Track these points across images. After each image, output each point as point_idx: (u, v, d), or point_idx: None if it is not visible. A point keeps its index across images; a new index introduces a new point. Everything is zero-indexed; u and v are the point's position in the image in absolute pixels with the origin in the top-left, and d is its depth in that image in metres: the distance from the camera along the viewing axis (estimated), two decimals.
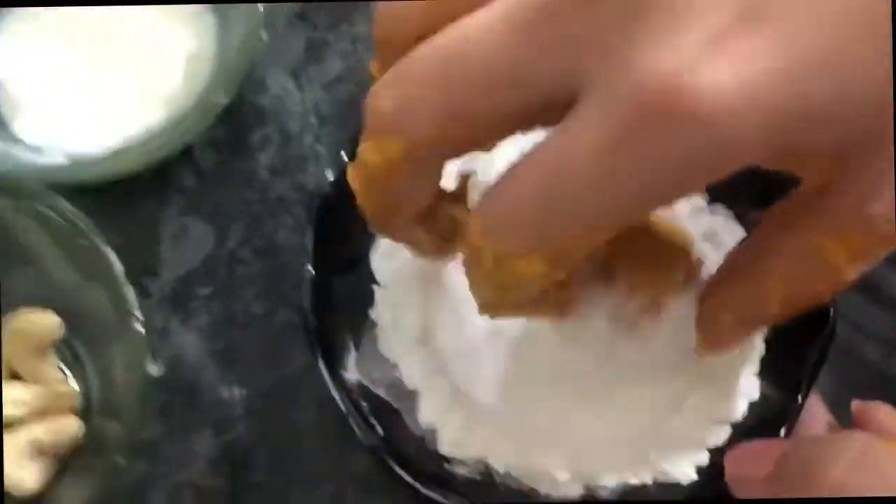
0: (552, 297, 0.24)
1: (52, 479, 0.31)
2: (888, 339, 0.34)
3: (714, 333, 0.24)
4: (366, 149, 0.21)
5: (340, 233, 0.29)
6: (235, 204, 0.36)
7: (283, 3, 0.39)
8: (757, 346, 0.28)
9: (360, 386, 0.29)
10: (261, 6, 0.33)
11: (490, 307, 0.23)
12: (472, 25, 0.19)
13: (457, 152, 0.21)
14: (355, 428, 0.27)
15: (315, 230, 0.29)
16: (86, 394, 0.32)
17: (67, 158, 0.30)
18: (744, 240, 0.25)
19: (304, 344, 0.33)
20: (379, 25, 0.22)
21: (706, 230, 0.30)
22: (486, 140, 0.21)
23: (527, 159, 0.19)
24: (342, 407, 0.27)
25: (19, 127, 0.35)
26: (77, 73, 0.36)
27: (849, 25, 0.17)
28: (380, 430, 0.27)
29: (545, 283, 0.20)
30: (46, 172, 0.31)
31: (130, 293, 0.30)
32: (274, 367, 0.34)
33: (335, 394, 0.27)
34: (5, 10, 0.37)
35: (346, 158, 0.30)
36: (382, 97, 0.20)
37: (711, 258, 0.26)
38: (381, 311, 0.29)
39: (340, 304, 0.29)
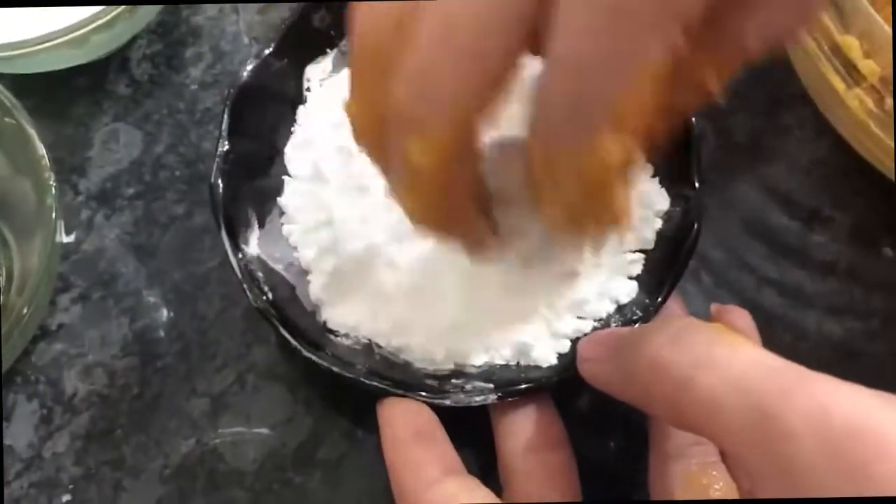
0: (473, 225, 0.26)
1: None
2: (761, 273, 0.37)
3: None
4: (412, 152, 0.21)
5: (254, 119, 0.32)
6: (165, 113, 0.39)
7: None
8: (608, 248, 0.31)
9: (260, 260, 0.31)
10: None
11: (418, 217, 0.24)
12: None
13: (487, 113, 0.21)
14: (247, 291, 0.30)
15: (231, 111, 0.31)
16: (8, 275, 0.35)
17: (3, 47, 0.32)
18: None
19: (216, 243, 0.36)
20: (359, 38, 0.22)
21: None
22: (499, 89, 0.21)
23: None
24: (237, 272, 0.30)
25: None
26: None
27: None
28: (270, 296, 0.30)
29: (435, 166, 0.22)
30: None
31: (51, 188, 0.32)
32: (188, 264, 0.36)
33: (232, 260, 0.30)
34: None
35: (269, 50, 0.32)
36: (409, 92, 0.21)
37: None
38: (288, 199, 0.32)
39: (249, 185, 0.32)
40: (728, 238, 0.37)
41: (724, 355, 0.22)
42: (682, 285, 0.35)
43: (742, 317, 0.30)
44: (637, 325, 0.29)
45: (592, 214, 0.24)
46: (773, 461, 0.21)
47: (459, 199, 0.24)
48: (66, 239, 0.34)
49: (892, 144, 0.30)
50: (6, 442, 0.34)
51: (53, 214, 0.30)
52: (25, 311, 0.31)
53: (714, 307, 0.31)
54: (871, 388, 0.21)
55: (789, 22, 0.23)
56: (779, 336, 0.35)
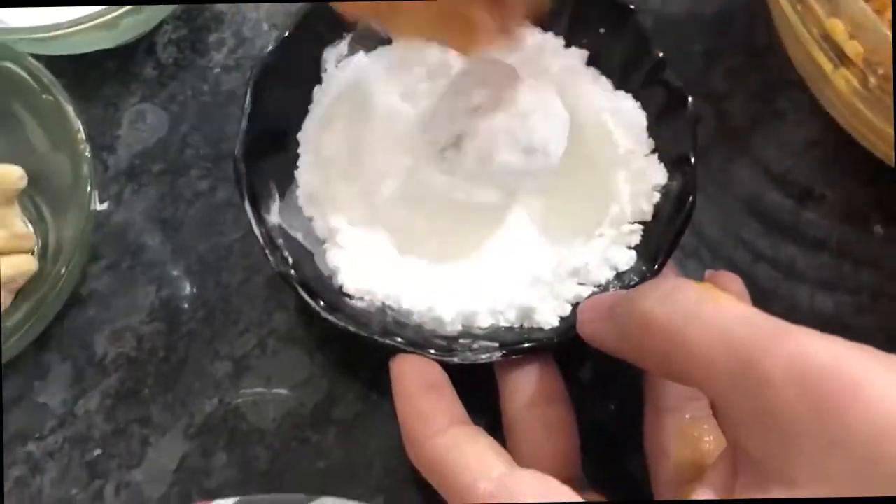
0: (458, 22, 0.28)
1: (8, 308, 0.35)
2: (755, 249, 0.39)
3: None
4: None
5: (276, 97, 0.34)
6: (190, 95, 0.41)
7: None
8: (612, 217, 0.32)
9: (280, 228, 0.33)
10: None
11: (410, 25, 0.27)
12: None
13: None
14: (269, 257, 0.32)
15: (253, 90, 0.33)
16: (43, 246, 0.37)
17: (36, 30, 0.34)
18: None
19: (238, 217, 0.38)
20: None
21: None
22: None
23: None
24: (261, 240, 0.32)
25: None
26: None
27: None
28: (290, 261, 0.32)
29: None
30: (19, 41, 0.35)
31: (88, 166, 0.34)
32: (211, 236, 0.38)
33: (255, 228, 0.32)
34: None
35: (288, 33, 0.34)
36: None
37: None
38: (303, 173, 0.34)
39: (270, 159, 0.34)
40: (724, 216, 0.39)
41: (710, 311, 0.24)
42: (681, 261, 0.38)
43: (733, 280, 0.32)
44: None
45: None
46: (754, 407, 0.23)
47: None
48: (99, 207, 0.36)
49: (877, 121, 0.32)
50: (41, 400, 0.36)
51: (88, 185, 0.32)
52: (60, 277, 0.33)
53: (708, 273, 0.33)
54: None
55: None
56: (772, 309, 0.35)
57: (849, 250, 0.38)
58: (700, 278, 0.36)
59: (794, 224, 0.39)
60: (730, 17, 0.42)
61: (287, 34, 0.35)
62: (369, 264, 0.32)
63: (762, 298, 0.37)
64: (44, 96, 0.33)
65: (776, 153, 0.40)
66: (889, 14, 0.36)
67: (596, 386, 0.36)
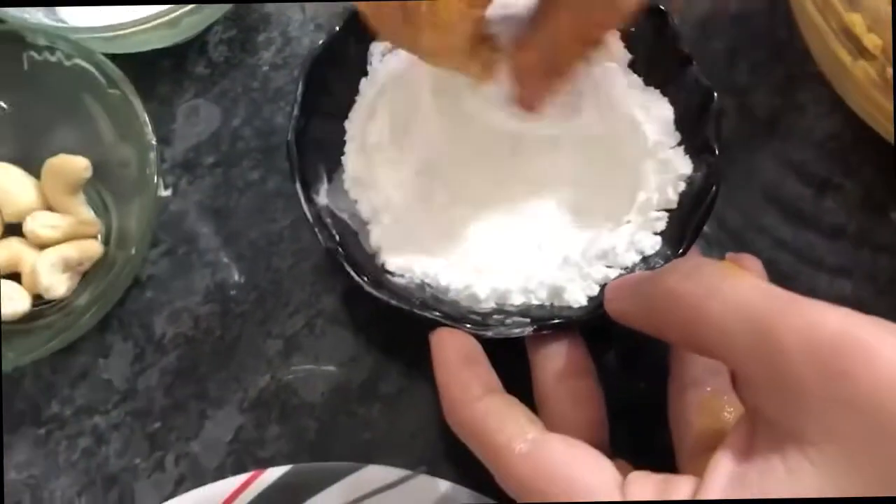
0: (480, 55, 0.31)
1: (75, 289, 0.38)
2: (776, 236, 0.40)
3: (525, 80, 0.31)
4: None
5: (323, 90, 0.36)
6: (240, 91, 0.43)
7: None
8: (640, 204, 0.35)
9: (328, 209, 0.35)
10: None
11: (432, 54, 0.29)
12: None
13: None
14: (318, 234, 0.34)
15: (304, 82, 0.36)
16: (107, 233, 0.39)
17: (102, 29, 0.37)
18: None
19: (288, 206, 0.40)
20: None
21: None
22: None
23: None
24: (309, 218, 0.34)
25: (65, 12, 0.41)
26: None
27: None
28: (337, 238, 0.34)
29: (468, 19, 0.27)
30: (86, 40, 0.37)
31: (154, 153, 0.36)
32: (262, 224, 0.41)
33: (305, 207, 0.34)
34: None
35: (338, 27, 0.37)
36: None
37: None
38: (349, 159, 0.36)
39: (319, 145, 0.36)
40: (747, 205, 0.41)
41: (730, 286, 0.26)
42: (705, 247, 0.40)
43: (752, 261, 0.34)
44: None
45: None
46: (770, 374, 0.24)
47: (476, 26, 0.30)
48: (164, 193, 0.38)
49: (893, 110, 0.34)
50: (105, 376, 0.38)
51: (155, 172, 0.34)
52: (128, 261, 0.36)
53: (729, 255, 0.35)
54: None
55: None
56: (793, 292, 0.39)
57: (867, 237, 0.40)
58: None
59: (813, 212, 0.41)
60: (752, 13, 0.44)
61: (336, 30, 0.37)
62: (409, 244, 0.35)
63: (783, 284, 0.38)
64: (111, 90, 0.36)
65: (797, 144, 0.42)
66: None
67: (626, 366, 0.38)
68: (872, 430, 0.22)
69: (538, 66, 0.31)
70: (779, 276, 0.39)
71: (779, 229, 0.40)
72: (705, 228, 0.40)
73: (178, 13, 0.37)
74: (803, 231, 0.40)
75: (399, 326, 0.36)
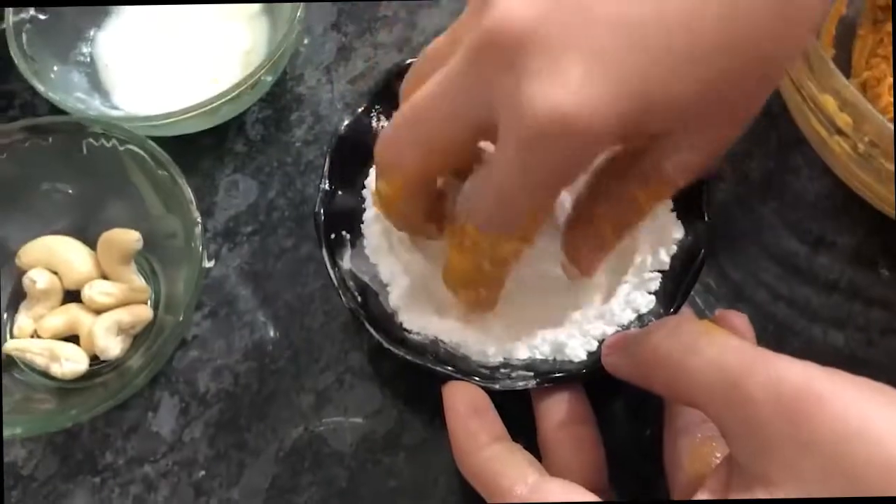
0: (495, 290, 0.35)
1: (128, 350, 0.41)
2: (774, 290, 0.43)
3: (576, 260, 0.34)
4: (379, 185, 0.33)
5: (348, 163, 0.40)
6: (275, 166, 0.47)
7: (321, 16, 0.50)
8: (636, 268, 0.38)
9: (351, 272, 0.39)
10: (301, 12, 0.44)
11: (461, 284, 0.34)
12: (426, 90, 0.30)
13: (440, 173, 0.32)
14: (341, 295, 0.38)
15: (331, 157, 0.40)
16: (156, 298, 0.43)
17: (153, 118, 0.42)
18: (584, 187, 0.34)
19: (318, 270, 0.44)
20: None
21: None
22: (454, 162, 0.32)
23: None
24: (335, 281, 0.38)
25: (118, 98, 0.46)
26: (160, 60, 0.47)
27: (659, 52, 0.26)
28: (360, 300, 0.38)
29: (518, 257, 0.31)
30: (138, 126, 0.42)
31: (199, 228, 0.40)
32: (296, 286, 0.44)
33: (330, 271, 0.38)
34: (109, 13, 0.49)
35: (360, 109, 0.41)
36: (382, 148, 0.32)
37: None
38: (367, 227, 0.40)
39: (344, 214, 0.40)
40: (745, 261, 0.44)
41: (706, 343, 0.29)
42: (707, 299, 0.42)
43: (739, 318, 0.37)
44: None
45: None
46: (741, 423, 0.27)
47: (413, 215, 0.34)
48: (208, 264, 0.42)
49: (871, 181, 0.37)
50: (154, 429, 0.42)
51: (200, 245, 0.38)
52: (177, 325, 0.39)
53: (718, 311, 0.38)
54: None
55: (699, 159, 0.30)
56: (789, 343, 0.42)
57: (858, 291, 0.43)
58: None
59: (808, 268, 0.43)
60: None
61: (360, 109, 0.41)
62: (425, 304, 0.38)
63: (780, 334, 0.42)
64: (160, 172, 0.40)
65: (791, 205, 0.45)
66: (889, 81, 0.41)
67: (632, 415, 0.41)
68: (826, 469, 0.25)
69: (586, 253, 0.34)
70: (776, 327, 0.42)
71: (776, 284, 0.43)
72: (709, 282, 0.43)
73: (217, 103, 0.41)
74: (799, 285, 0.43)
75: (421, 381, 0.39)
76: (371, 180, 0.41)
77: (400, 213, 0.34)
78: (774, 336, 0.42)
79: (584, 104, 0.26)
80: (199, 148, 0.47)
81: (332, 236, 0.39)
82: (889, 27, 0.44)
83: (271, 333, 0.44)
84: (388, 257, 0.39)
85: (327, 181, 0.40)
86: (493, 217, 0.30)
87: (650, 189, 0.30)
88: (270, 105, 0.49)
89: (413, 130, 0.30)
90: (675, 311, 0.37)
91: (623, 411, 0.41)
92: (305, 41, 0.50)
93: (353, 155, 0.41)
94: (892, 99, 0.41)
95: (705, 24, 0.26)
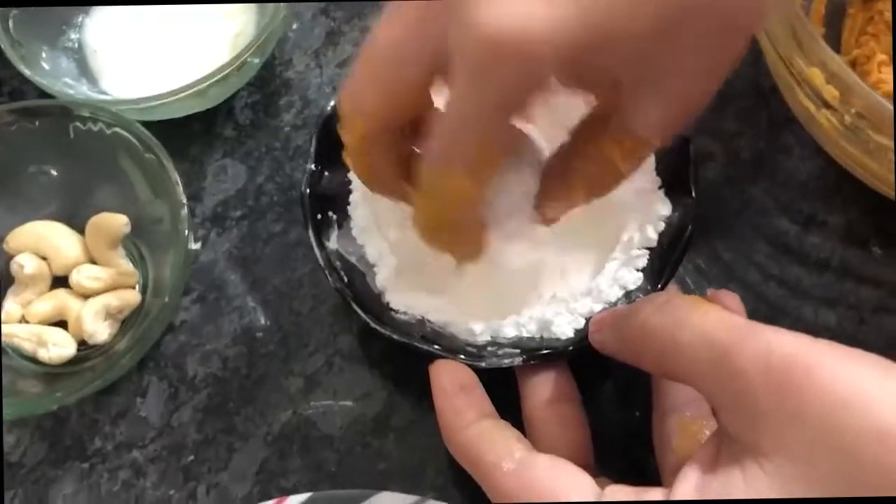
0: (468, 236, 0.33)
1: (116, 334, 0.41)
2: (765, 269, 0.43)
3: (545, 213, 0.33)
4: (342, 133, 0.31)
5: (335, 145, 0.39)
6: (264, 150, 0.47)
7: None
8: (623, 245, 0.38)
9: (338, 253, 0.39)
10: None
11: (428, 231, 0.32)
12: (381, 30, 0.29)
13: (401, 118, 0.30)
14: (327, 276, 0.37)
15: (317, 138, 0.40)
16: (143, 283, 0.43)
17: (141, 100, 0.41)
18: (559, 148, 0.33)
19: (307, 254, 0.44)
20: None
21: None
22: (414, 106, 0.30)
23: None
24: (320, 261, 0.38)
25: (106, 84, 0.46)
26: (148, 45, 0.47)
27: None
28: (346, 280, 0.37)
29: (468, 197, 0.29)
30: (126, 109, 0.42)
31: (185, 210, 0.40)
32: (285, 271, 0.44)
33: (316, 251, 0.38)
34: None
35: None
36: (343, 96, 0.31)
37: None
38: (354, 208, 0.40)
39: (330, 196, 0.40)
40: (737, 240, 0.43)
41: (697, 317, 0.29)
42: (698, 280, 0.42)
43: (730, 297, 0.36)
44: None
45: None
46: (730, 395, 0.27)
47: (379, 167, 0.32)
48: (193, 246, 0.42)
49: (859, 155, 0.36)
50: (142, 414, 0.42)
51: (186, 228, 0.38)
52: (162, 308, 0.39)
53: (709, 291, 0.38)
54: None
55: (669, 115, 0.29)
56: (780, 322, 0.41)
57: (849, 270, 0.42)
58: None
59: (799, 247, 0.43)
60: (740, 62, 0.47)
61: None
62: (412, 284, 0.38)
63: (771, 314, 0.42)
64: (147, 155, 0.40)
65: (782, 184, 0.44)
66: (879, 58, 0.41)
67: (621, 396, 0.40)
68: (816, 440, 0.25)
69: (555, 208, 0.33)
70: (768, 307, 0.42)
71: (767, 263, 0.43)
72: (700, 263, 0.43)
73: (205, 84, 0.41)
74: (790, 265, 0.43)
75: (409, 363, 0.39)
76: None
77: (367, 168, 0.33)
78: (766, 316, 0.41)
79: (533, 26, 0.25)
80: (189, 133, 0.47)
81: (319, 217, 0.39)
82: (879, 5, 0.44)
83: (260, 318, 0.43)
84: (375, 237, 0.39)
85: (314, 162, 0.40)
86: (440, 150, 0.29)
87: (625, 149, 0.30)
88: (259, 90, 0.48)
89: (371, 73, 0.29)
90: (663, 288, 0.37)
91: (611, 392, 0.41)
92: (294, 26, 0.50)
93: (339, 136, 0.41)
94: (881, 76, 0.41)
95: None
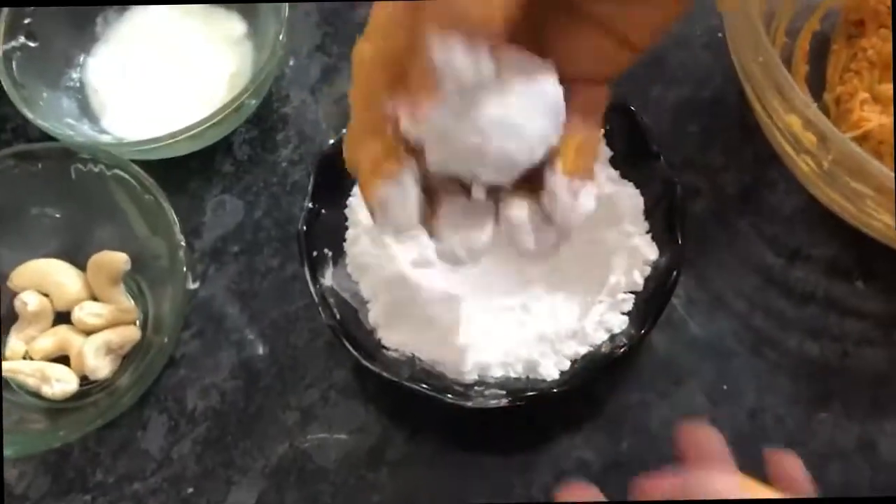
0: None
1: (117, 370, 0.42)
2: (752, 300, 0.44)
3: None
4: (356, 51, 0.27)
5: (333, 183, 0.41)
6: (262, 186, 0.48)
7: (306, 38, 0.51)
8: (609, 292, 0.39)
9: (332, 289, 0.40)
10: (283, 36, 0.44)
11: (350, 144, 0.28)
12: None
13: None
14: (320, 311, 0.39)
15: (315, 176, 0.41)
16: (143, 317, 0.44)
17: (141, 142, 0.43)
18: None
19: (304, 288, 0.45)
20: None
21: None
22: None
23: None
24: (315, 297, 0.39)
25: (107, 123, 0.47)
26: (147, 84, 0.48)
27: None
28: (338, 317, 0.39)
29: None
30: (127, 151, 0.43)
31: (182, 251, 0.41)
32: (281, 305, 0.45)
33: (311, 287, 0.39)
34: (98, 39, 0.50)
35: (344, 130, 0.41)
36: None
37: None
38: (350, 245, 0.41)
39: (328, 232, 0.41)
40: (723, 272, 0.44)
41: None
42: (687, 305, 0.43)
43: (796, 466, 0.32)
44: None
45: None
46: None
47: (376, 112, 0.27)
48: (192, 286, 0.43)
49: (837, 198, 0.37)
50: (143, 447, 0.43)
51: (184, 267, 0.39)
52: (163, 345, 0.40)
53: (767, 454, 0.33)
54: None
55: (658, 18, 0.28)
56: (766, 353, 0.43)
57: (833, 303, 0.43)
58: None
59: (784, 280, 0.44)
60: (724, 99, 0.48)
61: (343, 131, 0.42)
62: (403, 322, 0.39)
63: (757, 344, 0.43)
64: (146, 196, 0.41)
65: (768, 218, 0.45)
66: (861, 96, 0.42)
67: (612, 427, 0.41)
68: None
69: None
70: (754, 338, 0.43)
71: (754, 294, 0.44)
72: (689, 293, 0.44)
73: (203, 127, 0.42)
74: (776, 297, 0.44)
75: (403, 397, 0.40)
76: (354, 199, 0.41)
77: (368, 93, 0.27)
78: (751, 346, 0.43)
79: None
80: (187, 169, 0.48)
81: (315, 254, 0.40)
82: (863, 42, 0.45)
83: (258, 351, 0.44)
84: (368, 274, 0.40)
85: (311, 200, 0.41)
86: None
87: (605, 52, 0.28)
88: (257, 126, 0.50)
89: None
90: (647, 333, 0.38)
91: (601, 425, 0.42)
92: (291, 62, 0.51)
93: (337, 174, 0.42)
94: (863, 114, 0.42)
95: None
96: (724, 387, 0.42)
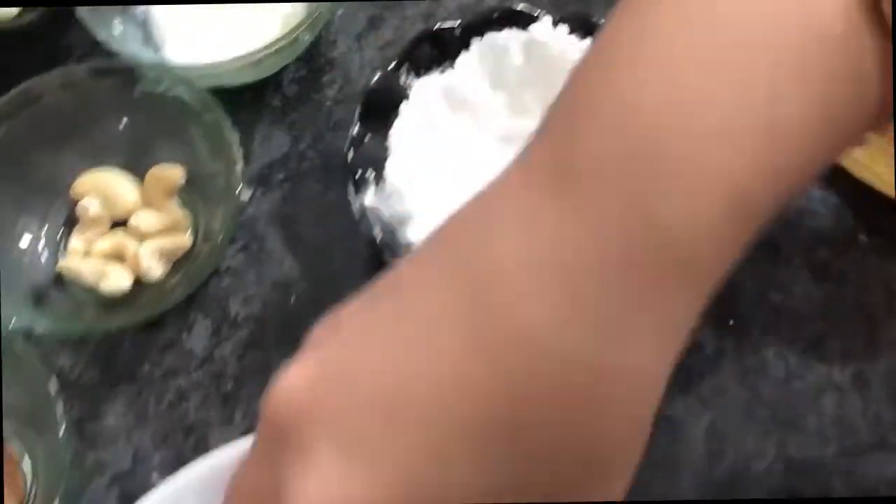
0: None
1: (167, 274, 0.46)
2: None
3: None
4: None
5: (377, 112, 0.45)
6: (307, 121, 0.52)
7: None
8: None
9: (373, 209, 0.43)
10: None
11: None
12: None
13: None
14: (362, 228, 0.42)
15: (362, 104, 0.45)
16: (195, 229, 0.48)
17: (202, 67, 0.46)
18: None
19: (342, 216, 0.48)
20: None
21: None
22: None
23: None
24: (356, 215, 0.42)
25: (168, 52, 0.51)
26: (209, 19, 0.52)
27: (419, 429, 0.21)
28: (378, 231, 0.42)
29: None
30: (190, 75, 0.47)
31: (239, 167, 0.45)
32: (323, 228, 0.49)
33: (354, 207, 0.42)
34: None
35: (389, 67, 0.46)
36: None
37: None
38: (390, 167, 0.44)
39: (370, 158, 0.45)
40: None
41: None
42: None
43: None
44: None
45: None
46: None
47: None
48: (244, 198, 0.47)
49: None
50: (188, 346, 0.46)
51: (239, 182, 0.43)
52: (212, 251, 0.44)
53: None
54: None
55: None
56: (771, 297, 0.46)
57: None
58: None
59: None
60: None
61: (388, 68, 0.46)
62: None
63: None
64: (206, 115, 0.45)
65: None
66: None
67: None
68: None
69: None
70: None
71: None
72: None
73: (261, 55, 0.46)
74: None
75: None
76: (396, 128, 0.45)
77: None
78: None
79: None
80: (240, 101, 0.52)
81: (357, 175, 0.44)
82: None
83: (298, 268, 0.48)
84: (407, 195, 0.43)
85: (358, 125, 0.44)
86: None
87: None
88: (306, 65, 0.53)
89: None
90: None
91: None
92: (340, 11, 0.55)
93: (381, 105, 0.45)
94: None
95: (479, 389, 0.21)
96: (731, 321, 0.45)
